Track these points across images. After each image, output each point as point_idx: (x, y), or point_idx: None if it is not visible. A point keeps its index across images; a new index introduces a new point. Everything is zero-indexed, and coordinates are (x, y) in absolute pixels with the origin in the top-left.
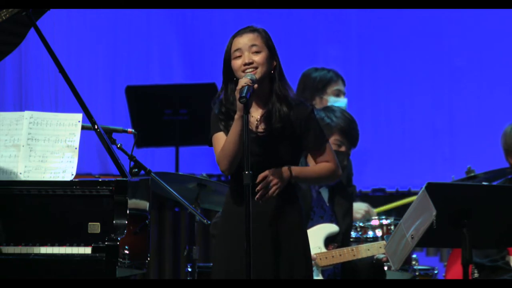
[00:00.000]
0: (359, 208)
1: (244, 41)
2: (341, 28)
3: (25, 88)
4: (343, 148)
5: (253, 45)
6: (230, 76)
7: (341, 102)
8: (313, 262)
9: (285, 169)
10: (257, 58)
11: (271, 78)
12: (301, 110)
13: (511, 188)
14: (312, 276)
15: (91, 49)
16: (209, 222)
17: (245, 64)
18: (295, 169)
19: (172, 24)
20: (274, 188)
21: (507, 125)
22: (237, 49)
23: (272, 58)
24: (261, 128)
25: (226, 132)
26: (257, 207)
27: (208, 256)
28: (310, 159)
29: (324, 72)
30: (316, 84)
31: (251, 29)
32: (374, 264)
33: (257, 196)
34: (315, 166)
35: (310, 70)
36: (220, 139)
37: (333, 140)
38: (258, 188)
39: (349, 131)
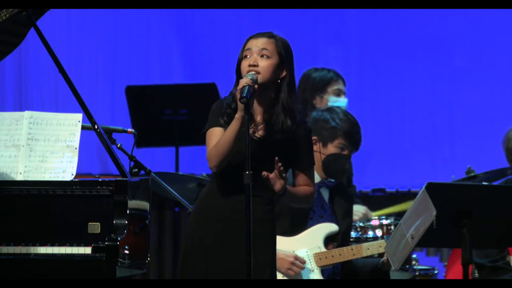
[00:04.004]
0: (358, 210)
1: (257, 43)
2: (341, 28)
3: (25, 88)
4: (345, 152)
5: (263, 49)
6: (241, 76)
7: (341, 101)
8: (310, 262)
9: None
10: (263, 63)
11: (279, 87)
12: (301, 128)
13: (511, 188)
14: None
15: (91, 49)
16: None
17: (250, 65)
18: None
19: (172, 24)
20: (282, 182)
21: (509, 129)
22: (248, 49)
23: (281, 67)
24: (258, 134)
25: (226, 127)
26: (231, 212)
27: None
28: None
29: (324, 72)
30: (316, 84)
31: (269, 35)
32: (379, 270)
33: (265, 173)
34: (300, 188)
35: (310, 70)
36: (215, 134)
37: (337, 143)
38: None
39: (353, 135)
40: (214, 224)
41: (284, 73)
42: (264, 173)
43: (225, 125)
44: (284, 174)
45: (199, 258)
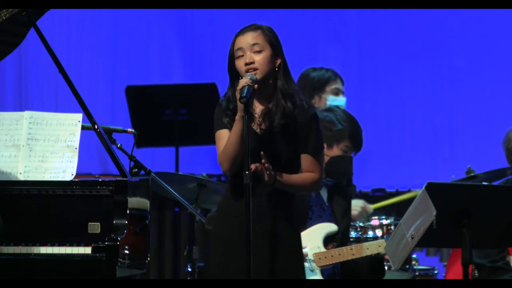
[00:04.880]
0: (355, 205)
1: (246, 40)
2: (341, 28)
3: (25, 88)
4: (349, 153)
5: (254, 44)
6: (235, 75)
7: (339, 101)
8: (310, 262)
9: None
10: (258, 58)
11: (275, 75)
12: (304, 112)
13: (511, 188)
14: (304, 277)
15: (91, 49)
16: None
17: (246, 64)
18: (282, 174)
19: (172, 24)
20: (267, 173)
21: (509, 129)
22: (239, 48)
23: (276, 56)
24: (264, 125)
25: (230, 128)
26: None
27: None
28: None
29: (322, 72)
30: (314, 84)
31: (254, 27)
32: (373, 259)
33: (252, 166)
34: (300, 175)
35: (308, 70)
36: (223, 137)
37: (342, 146)
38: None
39: (357, 137)
40: (230, 224)
41: (279, 61)
42: (252, 166)
43: (229, 126)
44: (270, 171)
45: (219, 257)
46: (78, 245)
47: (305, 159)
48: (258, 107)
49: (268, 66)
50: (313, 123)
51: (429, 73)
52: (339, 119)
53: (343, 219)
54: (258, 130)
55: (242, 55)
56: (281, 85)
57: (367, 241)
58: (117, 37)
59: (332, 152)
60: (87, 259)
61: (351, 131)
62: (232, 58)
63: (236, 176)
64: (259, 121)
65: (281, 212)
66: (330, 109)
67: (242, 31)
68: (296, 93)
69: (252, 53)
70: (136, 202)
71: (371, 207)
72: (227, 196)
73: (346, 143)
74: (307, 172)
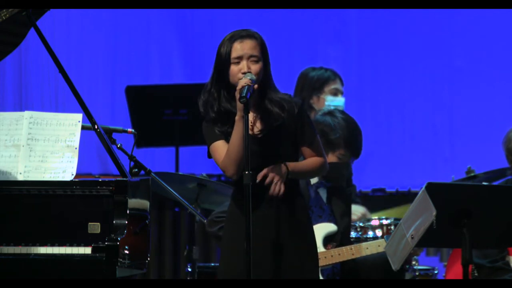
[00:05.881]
0: (357, 210)
1: (245, 49)
2: (341, 28)
3: (25, 88)
4: (345, 160)
5: (252, 56)
6: (224, 78)
7: (338, 101)
8: None
9: (281, 165)
10: (255, 67)
11: (263, 83)
12: (292, 106)
13: (511, 188)
14: (318, 274)
15: (91, 49)
16: None
17: (243, 72)
18: (290, 164)
19: (172, 24)
20: (278, 184)
21: (510, 129)
22: (237, 56)
23: (266, 66)
24: (256, 129)
25: (223, 135)
26: (262, 210)
27: (208, 256)
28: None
29: (321, 71)
30: (313, 83)
31: (249, 34)
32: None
33: (271, 191)
34: (307, 161)
35: (308, 69)
36: (220, 147)
37: (338, 153)
38: (266, 182)
39: (354, 144)
40: (239, 225)
41: (268, 69)
42: (259, 177)
43: (223, 137)
44: (277, 183)
45: (235, 261)
46: (78, 245)
47: (307, 150)
48: (250, 117)
49: (261, 76)
50: (303, 114)
51: (429, 73)
52: (337, 126)
53: (343, 219)
54: (253, 134)
55: (238, 62)
56: (269, 93)
57: (367, 241)
58: (117, 37)
59: (327, 158)
60: (87, 259)
61: (346, 140)
62: (225, 61)
63: (240, 182)
64: (251, 126)
65: (293, 212)
66: (330, 113)
67: (239, 38)
68: (282, 99)
69: (249, 62)
70: (136, 202)
71: (372, 216)
72: (233, 203)
73: (341, 151)
74: (310, 158)
